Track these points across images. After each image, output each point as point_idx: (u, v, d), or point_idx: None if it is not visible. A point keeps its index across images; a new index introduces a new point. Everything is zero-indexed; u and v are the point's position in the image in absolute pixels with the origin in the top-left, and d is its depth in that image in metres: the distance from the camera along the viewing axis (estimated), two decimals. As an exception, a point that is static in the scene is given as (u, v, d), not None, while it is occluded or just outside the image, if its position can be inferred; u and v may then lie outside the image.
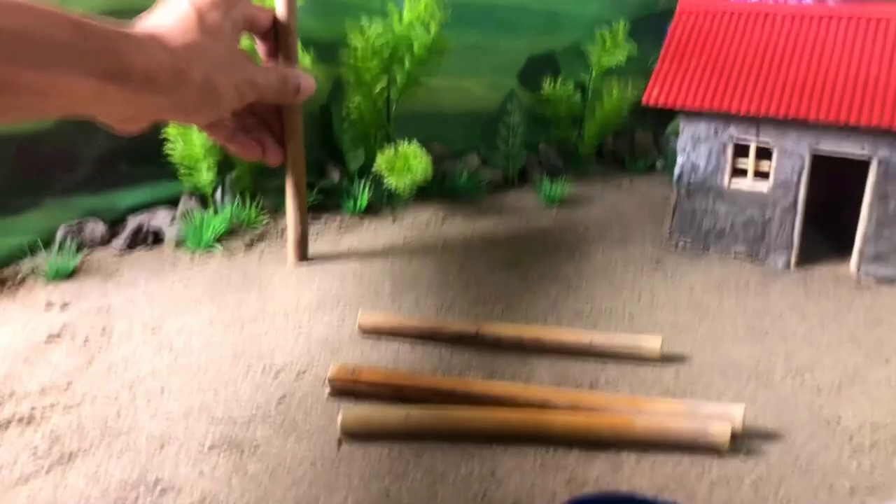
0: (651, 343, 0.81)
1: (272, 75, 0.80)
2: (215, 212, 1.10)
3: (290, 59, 0.89)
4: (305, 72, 0.85)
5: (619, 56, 1.38)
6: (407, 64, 1.20)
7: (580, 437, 0.68)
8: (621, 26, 1.37)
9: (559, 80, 1.39)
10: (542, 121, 1.43)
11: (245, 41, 0.97)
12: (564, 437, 0.68)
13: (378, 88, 1.20)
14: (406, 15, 1.16)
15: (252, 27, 0.82)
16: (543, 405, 0.71)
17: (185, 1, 0.69)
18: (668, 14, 1.14)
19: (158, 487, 0.63)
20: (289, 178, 0.97)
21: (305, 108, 0.91)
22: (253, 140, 0.85)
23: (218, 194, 1.12)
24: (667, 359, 0.82)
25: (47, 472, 0.64)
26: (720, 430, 0.66)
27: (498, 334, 0.83)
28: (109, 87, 0.59)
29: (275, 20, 0.87)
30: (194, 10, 0.68)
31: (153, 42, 0.63)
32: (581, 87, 1.43)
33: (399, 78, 1.21)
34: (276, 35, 0.88)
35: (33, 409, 0.71)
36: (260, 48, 0.88)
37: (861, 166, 0.98)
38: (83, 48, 0.56)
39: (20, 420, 0.70)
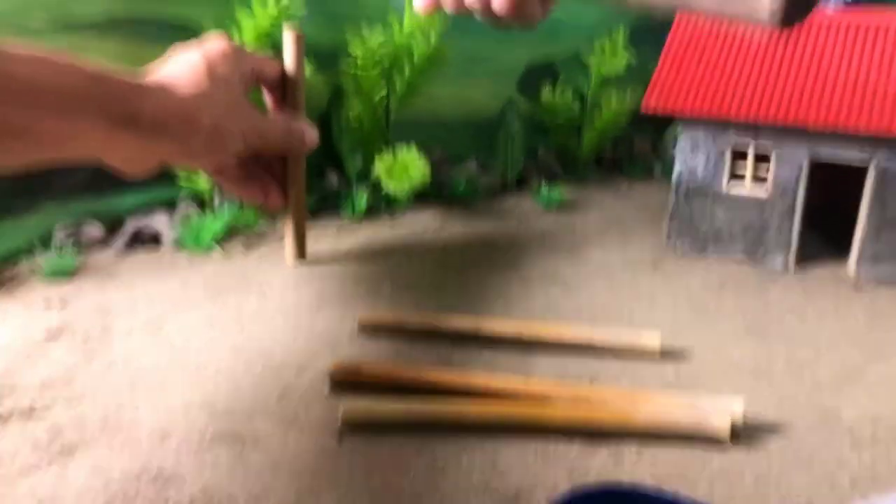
0: (650, 339, 0.81)
1: (278, 126, 0.82)
2: (213, 215, 1.10)
3: (297, 111, 0.90)
4: (309, 124, 0.86)
5: (618, 64, 1.38)
6: (407, 72, 1.20)
7: (581, 429, 0.68)
8: (620, 34, 1.38)
9: (558, 88, 1.39)
10: (541, 128, 1.43)
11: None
12: (565, 428, 0.68)
13: (378, 97, 1.20)
14: (406, 23, 1.17)
15: (260, 79, 0.84)
16: (544, 400, 0.71)
17: (196, 51, 0.71)
18: (667, 21, 1.14)
19: (159, 481, 0.62)
20: (289, 223, 0.99)
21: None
22: (256, 185, 0.87)
23: (216, 197, 1.12)
24: (666, 356, 0.82)
25: (49, 464, 0.64)
26: (721, 421, 0.67)
27: (498, 331, 0.83)
28: (121, 133, 0.61)
29: (283, 73, 0.88)
30: (204, 60, 0.71)
31: (164, 90, 0.65)
32: (580, 96, 1.43)
33: (399, 86, 1.21)
34: (284, 87, 0.89)
35: (34, 403, 0.71)
36: (267, 99, 0.90)
37: (859, 168, 0.99)
38: (97, 96, 0.59)
39: (21, 414, 0.70)
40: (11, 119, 0.54)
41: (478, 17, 0.62)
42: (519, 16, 0.59)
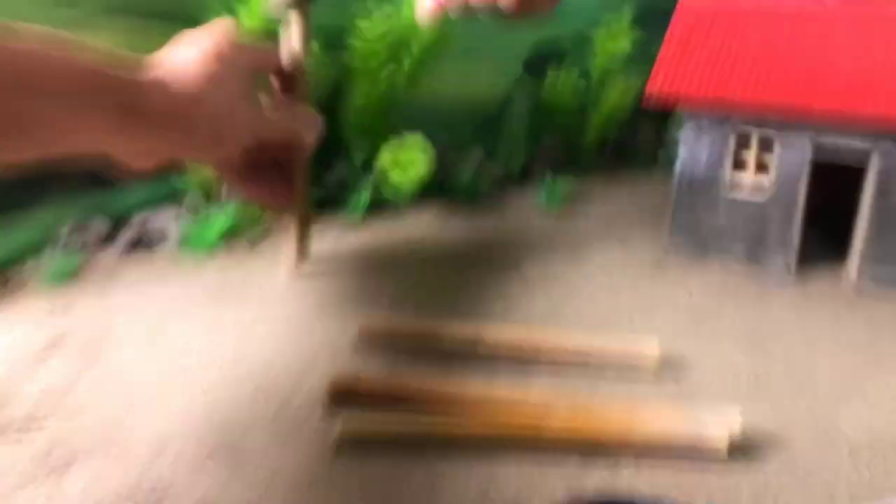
0: (649, 350, 0.81)
1: (283, 116, 0.81)
2: (217, 214, 1.10)
3: (301, 100, 0.89)
4: (314, 113, 0.86)
5: (623, 43, 1.37)
6: (413, 50, 1.19)
7: (579, 443, 0.68)
8: (625, 16, 1.37)
9: (563, 71, 1.38)
10: (546, 113, 1.42)
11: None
12: (563, 442, 0.68)
13: (384, 75, 1.19)
14: (412, 2, 1.15)
15: (267, 65, 0.83)
16: (542, 413, 0.71)
17: (202, 36, 0.71)
18: (672, 2, 1.13)
19: (155, 495, 0.62)
20: (292, 224, 0.99)
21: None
22: (263, 183, 0.87)
23: (221, 196, 1.12)
24: (666, 366, 0.81)
25: (44, 479, 0.64)
26: (718, 436, 0.66)
27: (498, 342, 0.83)
28: (128, 123, 0.61)
29: (289, 59, 0.88)
30: (211, 46, 0.70)
31: (169, 77, 0.65)
32: (586, 77, 1.42)
33: (405, 64, 1.20)
34: (290, 74, 0.89)
35: (33, 414, 0.71)
36: (273, 86, 0.90)
37: (860, 172, 0.98)
38: (102, 86, 0.59)
39: (18, 427, 0.70)
40: (20, 110, 0.53)
41: (485, 15, 0.61)
42: (528, 8, 0.58)
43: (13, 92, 0.53)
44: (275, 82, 0.89)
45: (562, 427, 0.69)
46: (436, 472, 0.65)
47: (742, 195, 1.04)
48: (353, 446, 0.68)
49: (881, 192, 0.97)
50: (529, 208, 1.26)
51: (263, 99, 0.79)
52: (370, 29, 1.13)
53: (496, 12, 0.59)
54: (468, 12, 0.62)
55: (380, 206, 1.21)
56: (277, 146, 0.89)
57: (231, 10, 1.05)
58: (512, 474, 0.65)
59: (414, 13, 1.16)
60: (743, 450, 0.68)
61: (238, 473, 0.65)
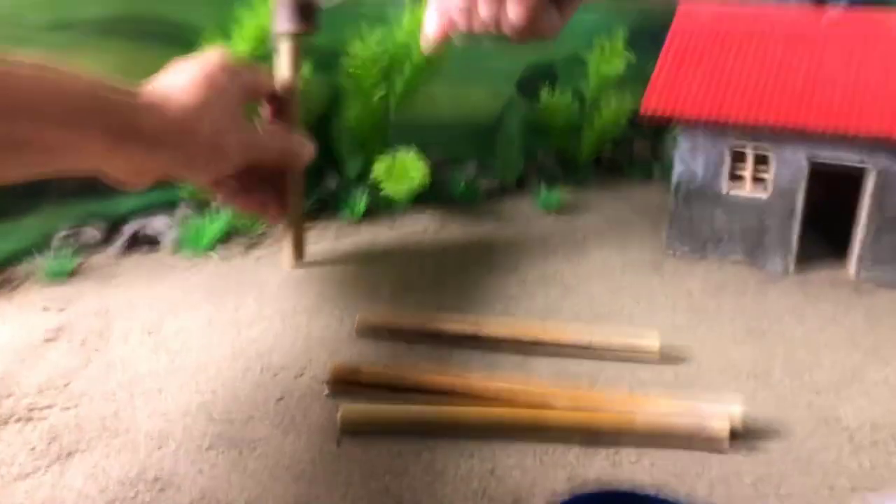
0: (650, 341, 0.81)
1: (274, 139, 0.83)
2: (212, 218, 1.10)
3: (292, 124, 0.90)
4: (305, 138, 0.87)
5: (617, 65, 1.38)
6: (406, 72, 1.20)
7: (580, 433, 0.68)
8: (619, 35, 1.38)
9: (557, 89, 1.39)
10: (540, 130, 1.43)
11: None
12: (564, 432, 0.68)
13: (377, 97, 1.20)
14: (406, 22, 1.16)
15: (257, 91, 0.84)
16: (543, 402, 0.71)
17: (194, 63, 0.72)
18: (666, 23, 1.14)
19: (157, 485, 0.62)
20: (287, 231, 0.99)
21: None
22: (254, 198, 0.87)
23: (214, 203, 1.12)
24: (666, 359, 0.82)
25: (46, 469, 0.64)
26: (720, 426, 0.66)
27: (497, 334, 0.83)
28: (121, 144, 0.62)
29: (280, 85, 0.89)
30: (202, 72, 0.72)
31: (163, 101, 0.66)
32: (579, 97, 1.43)
33: (398, 86, 1.21)
34: (280, 100, 0.90)
35: (32, 407, 0.71)
36: (264, 111, 0.91)
37: (860, 171, 0.99)
38: (98, 107, 0.60)
39: (19, 418, 0.70)
40: (15, 131, 0.54)
41: (494, 34, 0.61)
42: (535, 30, 0.58)
43: (7, 114, 0.53)
44: (265, 109, 0.90)
45: (563, 417, 0.69)
46: (436, 463, 0.65)
47: (740, 204, 1.05)
48: (354, 436, 0.68)
49: (878, 203, 0.97)
50: (526, 216, 1.26)
51: (255, 123, 0.80)
52: (363, 52, 1.14)
53: (504, 31, 0.59)
54: (475, 30, 0.62)
55: (376, 211, 1.21)
56: (268, 167, 0.90)
57: (225, 34, 1.06)
58: (513, 465, 0.65)
59: (406, 35, 1.17)
60: (744, 439, 0.68)
61: (239, 464, 0.65)
